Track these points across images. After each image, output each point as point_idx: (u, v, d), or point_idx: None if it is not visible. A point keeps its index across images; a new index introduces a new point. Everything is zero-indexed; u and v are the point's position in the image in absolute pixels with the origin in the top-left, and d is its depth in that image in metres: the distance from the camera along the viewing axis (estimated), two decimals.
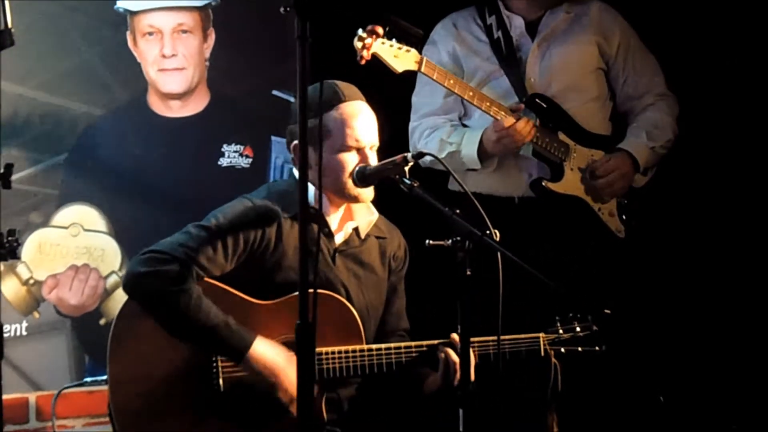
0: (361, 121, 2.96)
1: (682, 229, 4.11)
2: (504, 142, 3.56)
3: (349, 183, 2.93)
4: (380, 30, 3.18)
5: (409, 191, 2.80)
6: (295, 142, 2.95)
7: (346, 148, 2.94)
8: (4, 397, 2.33)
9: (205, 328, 2.76)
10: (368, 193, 2.98)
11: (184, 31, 3.91)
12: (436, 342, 2.94)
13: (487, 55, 3.74)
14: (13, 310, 3.61)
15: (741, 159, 4.08)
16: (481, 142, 3.62)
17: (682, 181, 4.06)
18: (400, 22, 3.55)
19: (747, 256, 4.05)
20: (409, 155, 2.80)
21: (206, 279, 2.83)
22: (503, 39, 3.73)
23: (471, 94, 3.48)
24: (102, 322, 3.74)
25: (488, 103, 3.50)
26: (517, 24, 3.75)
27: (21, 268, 3.63)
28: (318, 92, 2.50)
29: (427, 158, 2.90)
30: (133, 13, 3.81)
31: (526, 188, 3.71)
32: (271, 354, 2.80)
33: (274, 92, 4.07)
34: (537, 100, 3.65)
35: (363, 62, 3.16)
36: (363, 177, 2.92)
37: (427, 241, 2.72)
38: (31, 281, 3.65)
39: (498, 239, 2.64)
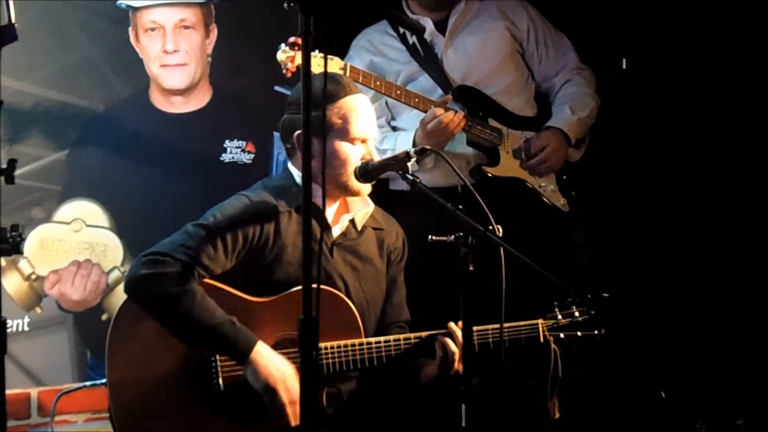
0: (366, 114, 2.98)
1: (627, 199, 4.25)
2: (436, 135, 3.58)
3: (352, 176, 2.92)
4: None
5: (412, 186, 2.81)
6: (297, 132, 2.95)
7: (352, 140, 2.94)
8: (6, 392, 2.33)
9: (210, 328, 2.74)
10: (367, 187, 2.98)
11: (187, 27, 3.91)
12: (433, 333, 2.94)
13: (406, 60, 3.81)
14: (16, 305, 3.61)
15: (677, 130, 4.22)
16: (414, 141, 3.65)
17: (616, 153, 4.22)
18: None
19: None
20: (411, 151, 2.80)
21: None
22: (418, 42, 3.81)
23: (399, 92, 3.54)
24: (104, 317, 3.74)
25: (417, 99, 3.57)
26: (427, 25, 3.82)
27: (23, 264, 3.63)
28: (318, 84, 2.48)
29: None
30: (135, 9, 3.81)
31: (466, 176, 3.70)
32: (272, 356, 2.79)
33: (277, 88, 4.07)
34: (462, 91, 3.73)
35: (289, 74, 3.20)
36: (365, 173, 2.91)
37: (429, 237, 2.72)
38: (33, 277, 3.65)
39: (501, 234, 2.64)
